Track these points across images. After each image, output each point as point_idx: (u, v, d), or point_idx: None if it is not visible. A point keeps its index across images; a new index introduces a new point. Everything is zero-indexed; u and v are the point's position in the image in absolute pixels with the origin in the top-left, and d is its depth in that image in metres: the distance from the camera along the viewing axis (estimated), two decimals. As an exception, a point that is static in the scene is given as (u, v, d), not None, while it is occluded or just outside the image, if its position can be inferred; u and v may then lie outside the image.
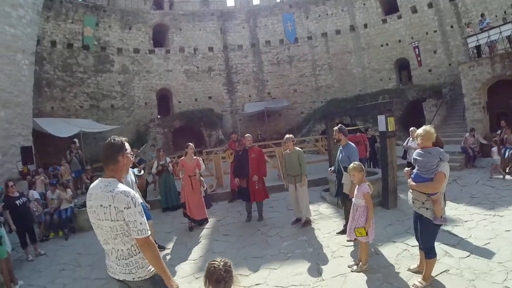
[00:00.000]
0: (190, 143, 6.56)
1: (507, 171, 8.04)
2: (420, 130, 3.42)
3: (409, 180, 3.52)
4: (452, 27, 17.37)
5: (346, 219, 5.31)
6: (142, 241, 2.13)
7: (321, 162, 10.91)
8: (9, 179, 7.05)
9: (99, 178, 2.29)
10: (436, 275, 3.62)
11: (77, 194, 10.34)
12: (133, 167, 5.96)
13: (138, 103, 20.06)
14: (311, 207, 6.37)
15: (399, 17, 19.36)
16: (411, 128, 7.95)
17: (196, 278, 4.29)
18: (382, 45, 20.25)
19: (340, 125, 5.57)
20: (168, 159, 8.62)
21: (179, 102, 21.13)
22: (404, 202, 6.35)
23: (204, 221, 6.59)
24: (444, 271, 3.73)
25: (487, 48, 12.31)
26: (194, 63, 21.64)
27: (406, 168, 3.68)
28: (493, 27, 12.15)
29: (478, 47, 12.55)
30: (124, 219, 2.09)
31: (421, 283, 3.44)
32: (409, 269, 3.85)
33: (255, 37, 22.54)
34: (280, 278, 4.08)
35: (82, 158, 12.96)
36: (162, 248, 5.60)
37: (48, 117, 15.72)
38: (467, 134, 10.10)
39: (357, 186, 4.04)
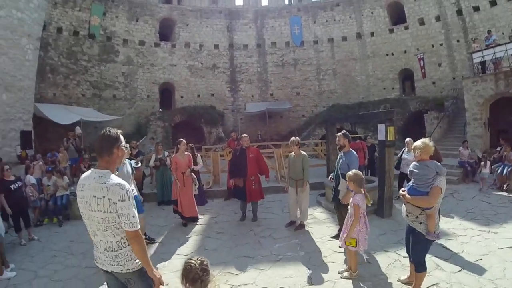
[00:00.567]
0: (182, 139, 6.54)
1: (504, 188, 8.07)
2: (418, 143, 3.38)
3: (403, 192, 3.47)
4: (458, 41, 17.41)
5: (340, 225, 5.32)
6: (132, 234, 2.15)
7: (319, 167, 10.92)
8: (5, 163, 7.06)
9: (92, 169, 2.30)
10: (426, 288, 3.61)
11: (73, 182, 10.32)
12: (130, 159, 5.95)
13: (140, 95, 20.02)
14: (306, 211, 6.37)
15: (406, 28, 19.38)
16: (407, 140, 7.96)
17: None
18: (387, 55, 20.27)
19: (344, 131, 5.56)
20: (166, 153, 8.63)
21: (182, 97, 21.11)
22: (399, 211, 6.33)
23: (195, 218, 6.57)
24: (434, 284, 3.73)
25: (491, 65, 12.35)
26: (199, 59, 21.62)
27: (402, 191, 3.58)
28: (499, 44, 12.18)
29: (483, 63, 12.59)
30: (117, 212, 2.10)
31: (410, 295, 3.44)
32: (399, 280, 3.85)
33: (261, 38, 22.53)
34: (269, 280, 4.08)
35: (80, 146, 12.97)
36: (152, 240, 5.61)
37: (50, 103, 15.68)
38: (461, 147, 10.13)
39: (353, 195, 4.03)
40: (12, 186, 5.77)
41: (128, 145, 4.93)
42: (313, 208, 7.25)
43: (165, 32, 21.08)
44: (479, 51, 12.86)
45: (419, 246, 3.38)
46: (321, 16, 21.80)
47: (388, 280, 3.91)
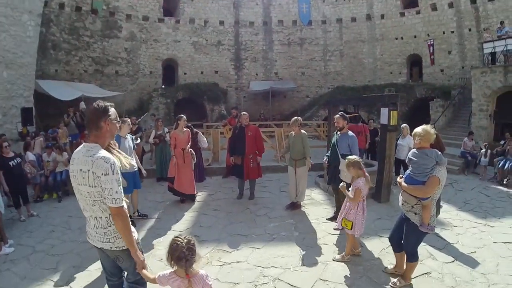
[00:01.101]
0: (182, 115, 6.42)
1: (504, 182, 8.00)
2: (419, 129, 3.21)
3: (400, 180, 3.39)
4: (470, 30, 16.83)
5: (337, 207, 5.32)
6: (115, 210, 2.10)
7: (320, 148, 10.85)
8: (5, 139, 7.04)
9: (83, 143, 2.25)
10: (416, 276, 3.60)
11: (74, 157, 10.34)
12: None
13: (143, 71, 19.75)
14: (303, 191, 6.36)
15: (418, 12, 18.72)
16: (403, 125, 7.83)
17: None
18: (396, 38, 19.72)
19: (342, 112, 5.49)
20: (166, 129, 8.58)
21: (185, 73, 20.82)
22: (396, 197, 6.32)
23: (192, 196, 6.57)
24: (425, 273, 3.73)
25: (502, 57, 12.01)
26: (204, 36, 21.15)
27: (399, 178, 3.49)
28: (511, 37, 11.80)
29: (493, 54, 12.24)
30: (101, 186, 2.05)
31: (400, 282, 3.42)
32: (384, 270, 3.77)
33: (268, 15, 21.93)
34: (261, 258, 4.12)
35: (83, 122, 12.90)
36: (144, 216, 5.65)
37: (52, 79, 15.49)
38: (466, 138, 10.01)
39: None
40: (11, 163, 5.76)
41: (122, 120, 4.86)
42: (310, 189, 7.20)
43: (169, 7, 20.53)
44: (490, 41, 12.49)
45: (412, 237, 3.28)
46: (330, -5, 21.11)
47: (380, 265, 3.92)
